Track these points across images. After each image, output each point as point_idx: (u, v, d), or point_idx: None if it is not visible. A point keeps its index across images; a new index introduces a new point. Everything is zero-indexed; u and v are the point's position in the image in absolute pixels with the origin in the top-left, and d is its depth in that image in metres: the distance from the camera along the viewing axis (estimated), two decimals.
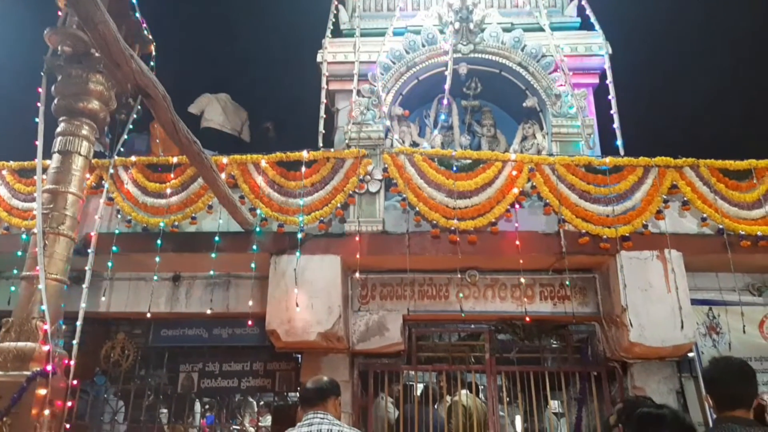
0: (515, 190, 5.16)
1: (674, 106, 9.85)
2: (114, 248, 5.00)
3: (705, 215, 5.19)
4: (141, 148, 6.77)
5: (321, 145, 5.85)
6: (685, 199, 5.23)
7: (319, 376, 3.19)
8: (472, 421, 5.33)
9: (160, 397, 5.88)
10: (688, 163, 5.34)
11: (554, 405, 6.75)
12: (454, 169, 5.28)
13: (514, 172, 5.23)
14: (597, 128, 6.14)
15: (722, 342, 5.07)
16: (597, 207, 5.15)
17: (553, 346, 5.80)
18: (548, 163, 5.30)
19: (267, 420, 6.90)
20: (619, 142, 5.93)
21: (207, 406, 6.67)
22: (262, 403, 7.70)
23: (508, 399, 6.14)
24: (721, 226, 5.13)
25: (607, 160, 5.36)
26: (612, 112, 6.10)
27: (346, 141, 5.69)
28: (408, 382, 5.83)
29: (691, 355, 5.03)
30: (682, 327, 4.71)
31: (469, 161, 5.33)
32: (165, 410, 6.22)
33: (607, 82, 6.17)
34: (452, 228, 5.05)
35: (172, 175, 5.38)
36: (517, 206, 5.18)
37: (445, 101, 6.12)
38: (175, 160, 5.43)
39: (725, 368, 2.66)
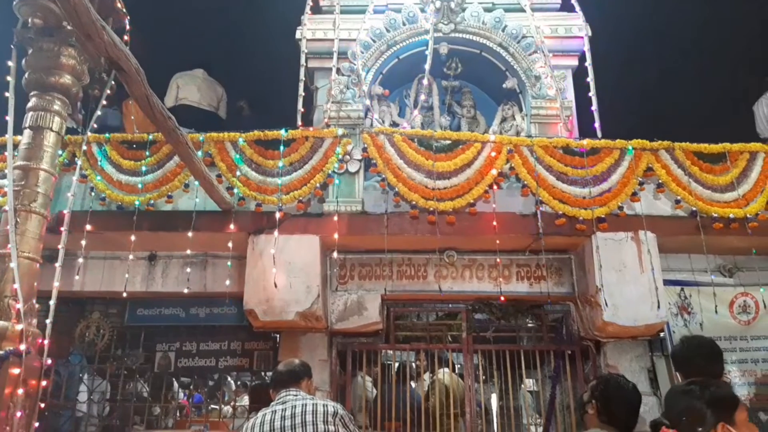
0: (494, 172, 5.18)
1: (652, 89, 9.94)
2: (88, 226, 4.91)
3: (679, 197, 5.28)
4: (114, 124, 6.61)
5: (300, 123, 5.78)
6: (660, 181, 5.31)
7: (291, 359, 3.22)
8: (450, 399, 5.41)
9: (136, 376, 5.84)
10: (664, 146, 5.41)
11: (529, 383, 6.88)
12: (434, 149, 5.27)
13: (493, 154, 5.24)
14: (576, 110, 6.17)
15: (693, 321, 5.20)
16: (574, 189, 5.20)
17: (529, 325, 5.89)
18: (527, 145, 5.32)
19: (244, 399, 6.91)
20: (597, 125, 5.98)
21: (192, 386, 6.66)
22: (239, 382, 7.71)
23: (484, 377, 6.24)
24: (694, 209, 5.23)
25: (585, 142, 5.40)
26: (590, 94, 6.13)
27: (325, 120, 5.64)
28: (386, 361, 5.88)
29: (662, 334, 5.15)
30: (657, 307, 4.81)
31: (448, 142, 5.33)
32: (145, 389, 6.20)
33: (586, 64, 6.19)
34: (431, 209, 5.06)
35: (147, 153, 5.29)
36: (495, 187, 5.20)
37: (425, 81, 6.09)
38: (150, 137, 5.33)
39: (694, 347, 2.74)
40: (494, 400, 6.90)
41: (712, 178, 5.35)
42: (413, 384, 5.81)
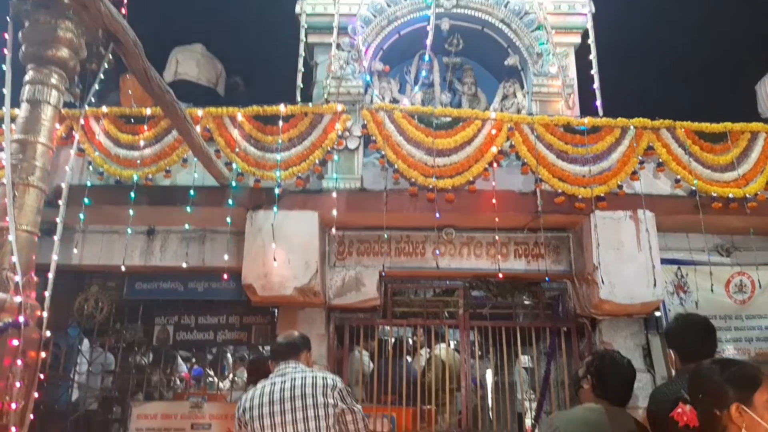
0: (494, 149, 5.16)
1: (654, 68, 9.85)
2: (86, 200, 4.91)
3: (679, 177, 5.27)
4: (111, 105, 6.56)
5: (299, 99, 5.74)
6: (660, 160, 5.30)
7: (290, 331, 3.22)
8: (447, 374, 5.47)
9: (135, 349, 5.90)
10: (665, 124, 5.39)
11: (524, 360, 6.95)
12: (434, 126, 5.25)
13: (494, 131, 5.22)
14: (577, 88, 6.12)
15: (689, 300, 5.23)
16: (574, 167, 5.19)
17: (525, 302, 5.93)
18: (527, 123, 5.30)
19: (242, 373, 6.99)
20: (598, 103, 5.93)
21: (194, 360, 6.75)
22: (237, 356, 7.78)
23: (480, 353, 6.30)
24: (693, 188, 5.22)
25: (586, 120, 5.37)
26: (593, 72, 6.07)
27: (325, 96, 5.60)
28: (383, 336, 5.93)
29: (658, 313, 5.18)
30: (655, 285, 4.83)
31: (449, 119, 5.30)
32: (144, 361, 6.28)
33: (589, 41, 6.13)
34: (430, 186, 5.05)
35: (145, 127, 5.26)
36: (495, 165, 5.19)
37: (426, 57, 6.03)
38: (148, 111, 5.30)
39: (688, 324, 2.76)
40: (489, 375, 6.98)
41: (712, 158, 5.33)
42: (409, 359, 5.86)
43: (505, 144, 5.23)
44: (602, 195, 5.10)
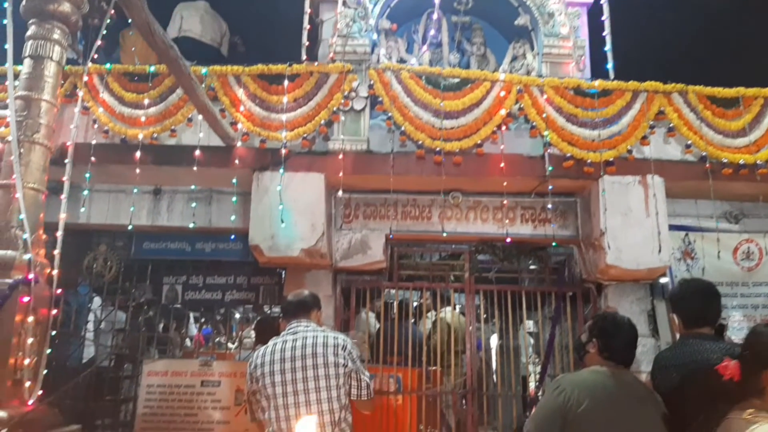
0: (503, 112, 5.09)
1: (668, 30, 9.62)
2: (92, 158, 4.89)
3: (689, 142, 5.20)
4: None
5: (305, 58, 5.64)
6: (671, 125, 5.22)
7: (300, 290, 3.22)
8: (452, 336, 5.52)
9: (144, 308, 5.97)
10: (677, 89, 5.29)
11: (529, 325, 7.01)
12: (442, 88, 5.16)
13: (503, 93, 5.13)
14: (589, 50, 5.99)
15: (696, 267, 5.23)
16: (583, 131, 5.12)
17: (531, 267, 5.94)
18: (537, 85, 5.20)
19: (249, 333, 7.09)
20: (610, 66, 5.81)
21: (203, 319, 6.84)
22: (244, 317, 7.89)
23: (485, 316, 6.35)
24: (704, 154, 5.16)
25: (597, 83, 5.28)
26: (604, 33, 5.93)
27: (331, 55, 5.49)
28: (389, 299, 5.98)
29: (665, 279, 5.19)
30: (660, 251, 4.82)
31: (457, 80, 5.21)
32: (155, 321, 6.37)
33: (602, 2, 5.97)
34: (437, 149, 5.00)
35: (149, 85, 5.19)
36: (503, 128, 5.12)
37: (434, 16, 5.88)
38: (152, 69, 5.23)
39: (692, 288, 2.76)
40: (494, 339, 7.06)
41: (724, 123, 5.25)
42: (415, 321, 5.91)
43: (514, 107, 5.15)
44: (611, 159, 5.04)
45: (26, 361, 3.05)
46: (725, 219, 5.52)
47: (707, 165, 5.13)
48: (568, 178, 5.12)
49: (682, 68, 6.19)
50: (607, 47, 5.89)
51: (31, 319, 3.09)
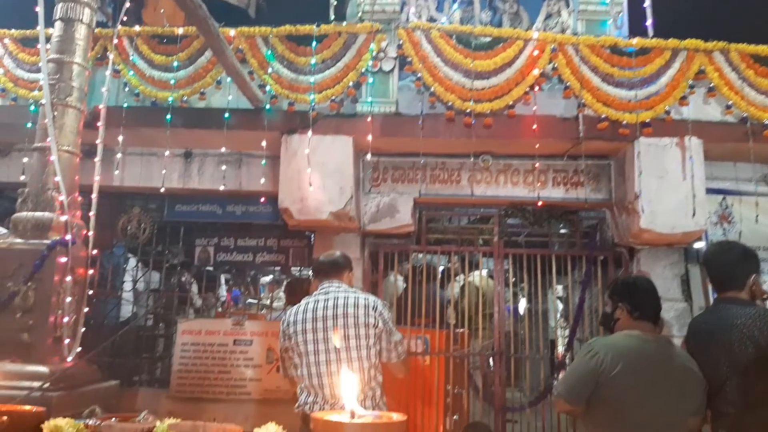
0: (536, 72, 4.95)
1: None
2: (124, 122, 4.94)
3: (730, 102, 5.01)
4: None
5: (333, 18, 5.55)
6: (712, 85, 5.02)
7: (332, 251, 3.24)
8: (482, 300, 5.53)
9: (178, 269, 6.11)
10: (719, 47, 5.07)
11: (558, 290, 6.96)
12: (473, 47, 5.03)
13: (536, 52, 4.98)
14: (627, 6, 5.76)
15: (732, 231, 5.10)
16: (619, 91, 4.96)
17: (562, 231, 5.86)
18: (572, 43, 5.04)
19: (278, 294, 7.22)
20: (648, 23, 5.59)
21: (231, 282, 7.00)
22: (274, 278, 8.02)
23: (514, 279, 6.33)
24: (745, 115, 4.97)
25: (635, 41, 5.08)
26: None
27: (359, 14, 5.38)
28: (417, 264, 5.99)
29: (700, 244, 5.07)
30: (694, 215, 4.70)
31: (488, 39, 5.07)
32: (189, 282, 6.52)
33: None
34: (468, 110, 4.91)
35: (178, 47, 5.18)
36: (536, 89, 4.99)
37: None
38: (180, 31, 5.21)
39: (724, 248, 2.70)
40: (523, 303, 7.04)
41: (767, 83, 5.03)
42: (443, 285, 5.92)
43: (548, 66, 5.00)
44: (648, 121, 4.89)
45: (65, 319, 3.15)
46: (764, 182, 5.34)
47: (748, 126, 4.94)
48: (603, 140, 4.99)
49: (725, 25, 5.92)
50: (646, 3, 5.66)
51: (69, 278, 3.18)
